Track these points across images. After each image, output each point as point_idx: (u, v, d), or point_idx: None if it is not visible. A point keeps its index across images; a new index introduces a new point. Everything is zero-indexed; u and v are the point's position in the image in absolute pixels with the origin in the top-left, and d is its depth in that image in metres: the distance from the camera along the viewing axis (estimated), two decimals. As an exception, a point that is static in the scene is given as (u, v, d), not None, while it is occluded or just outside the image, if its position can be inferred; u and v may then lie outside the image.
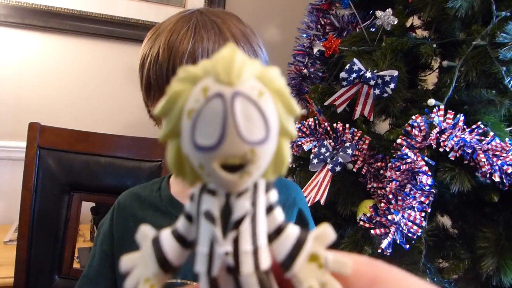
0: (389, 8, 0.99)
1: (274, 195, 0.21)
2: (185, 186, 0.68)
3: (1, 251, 1.28)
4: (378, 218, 0.84)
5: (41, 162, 1.04)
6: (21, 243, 1.01)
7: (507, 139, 0.83)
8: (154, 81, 0.58)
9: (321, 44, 1.10)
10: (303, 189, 0.96)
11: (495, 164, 0.80)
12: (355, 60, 0.93)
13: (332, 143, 0.97)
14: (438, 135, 0.83)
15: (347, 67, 0.93)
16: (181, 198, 0.67)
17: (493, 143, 0.82)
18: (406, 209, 0.82)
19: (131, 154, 1.08)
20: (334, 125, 0.98)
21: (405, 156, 0.82)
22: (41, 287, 1.01)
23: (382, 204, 0.85)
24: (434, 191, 0.83)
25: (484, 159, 0.79)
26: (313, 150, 0.97)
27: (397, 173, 0.83)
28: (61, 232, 1.06)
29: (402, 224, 0.82)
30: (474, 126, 0.85)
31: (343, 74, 0.93)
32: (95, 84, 1.60)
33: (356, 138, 0.96)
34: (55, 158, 1.05)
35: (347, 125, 0.97)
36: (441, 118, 0.85)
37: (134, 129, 1.42)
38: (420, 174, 0.81)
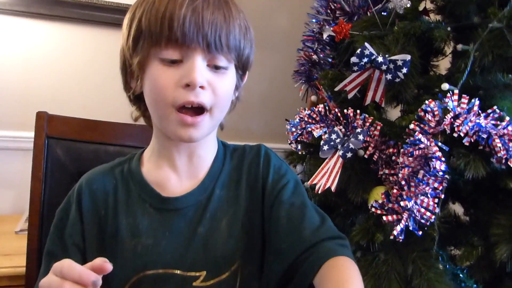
0: (402, -9, 0.97)
1: None
2: (158, 164, 0.64)
3: (13, 241, 1.29)
4: (390, 205, 0.83)
5: (50, 151, 1.03)
6: (32, 232, 1.01)
7: (523, 124, 0.81)
8: (146, 28, 0.54)
9: (331, 29, 1.08)
10: (314, 176, 0.95)
11: (511, 149, 0.78)
12: (366, 44, 0.91)
13: (343, 130, 0.96)
14: (452, 120, 0.81)
15: (358, 51, 0.91)
16: (153, 179, 0.64)
17: (509, 128, 0.80)
18: (419, 196, 0.81)
19: (140, 143, 1.07)
20: (345, 111, 0.96)
21: (418, 142, 0.81)
22: (52, 275, 1.02)
23: (395, 191, 0.84)
24: (448, 177, 0.81)
25: (499, 144, 0.78)
26: (323, 137, 0.95)
27: (410, 159, 0.81)
28: (71, 221, 1.06)
29: (415, 211, 0.80)
30: (489, 111, 0.83)
31: (354, 59, 0.91)
32: (103, 72, 1.59)
33: (368, 124, 0.94)
34: (64, 147, 1.05)
35: (358, 111, 0.95)
36: (455, 103, 0.84)
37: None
38: (433, 159, 0.79)
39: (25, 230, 1.23)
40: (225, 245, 0.62)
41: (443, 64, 1.14)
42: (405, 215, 0.81)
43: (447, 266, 0.94)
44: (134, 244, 0.61)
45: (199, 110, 0.56)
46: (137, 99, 0.64)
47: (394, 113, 1.15)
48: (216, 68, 0.56)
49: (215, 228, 0.63)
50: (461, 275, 0.94)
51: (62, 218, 0.65)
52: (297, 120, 1.06)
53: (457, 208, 1.11)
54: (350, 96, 0.99)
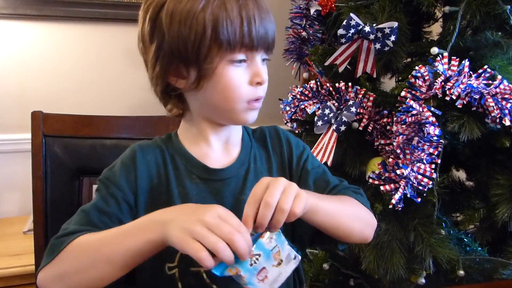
0: (385, -43, 0.95)
1: None
2: (197, 143, 0.69)
3: (21, 241, 1.31)
4: (387, 174, 0.82)
5: (48, 150, 1.04)
6: (37, 231, 1.02)
7: (516, 81, 0.80)
8: (224, 36, 0.59)
9: (317, 3, 1.06)
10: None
11: (504, 107, 0.77)
12: (352, 14, 0.89)
13: (336, 104, 0.95)
14: (443, 83, 0.80)
15: (344, 22, 0.89)
16: (195, 154, 0.69)
17: (502, 86, 0.79)
18: (415, 162, 0.80)
19: (135, 134, 1.07)
20: (337, 85, 0.96)
21: (410, 109, 0.80)
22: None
23: (391, 160, 0.83)
24: (443, 142, 0.81)
25: (492, 104, 0.77)
26: (317, 113, 0.95)
27: (403, 126, 0.81)
28: (75, 216, 1.07)
29: (412, 178, 0.80)
30: (480, 71, 0.82)
31: (341, 31, 0.90)
32: (96, 68, 1.59)
33: (360, 96, 0.93)
34: (61, 145, 1.05)
35: (350, 84, 0.95)
36: (446, 66, 0.82)
37: (142, 109, 1.39)
38: (427, 125, 0.78)
39: (33, 230, 1.25)
40: None
41: (436, 30, 1.12)
42: (402, 183, 0.81)
43: (451, 232, 0.94)
44: None
45: None
46: (176, 95, 0.68)
47: (390, 84, 1.13)
48: (262, 60, 0.65)
49: None
50: (465, 239, 0.95)
51: (114, 175, 0.67)
52: (290, 98, 1.05)
53: (461, 175, 1.10)
54: (341, 69, 0.98)
